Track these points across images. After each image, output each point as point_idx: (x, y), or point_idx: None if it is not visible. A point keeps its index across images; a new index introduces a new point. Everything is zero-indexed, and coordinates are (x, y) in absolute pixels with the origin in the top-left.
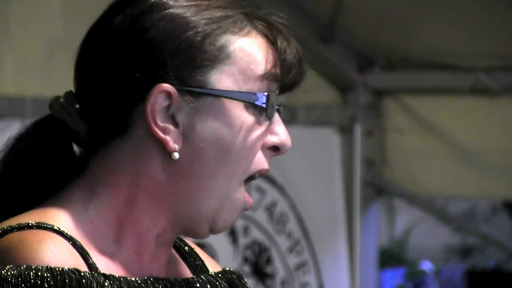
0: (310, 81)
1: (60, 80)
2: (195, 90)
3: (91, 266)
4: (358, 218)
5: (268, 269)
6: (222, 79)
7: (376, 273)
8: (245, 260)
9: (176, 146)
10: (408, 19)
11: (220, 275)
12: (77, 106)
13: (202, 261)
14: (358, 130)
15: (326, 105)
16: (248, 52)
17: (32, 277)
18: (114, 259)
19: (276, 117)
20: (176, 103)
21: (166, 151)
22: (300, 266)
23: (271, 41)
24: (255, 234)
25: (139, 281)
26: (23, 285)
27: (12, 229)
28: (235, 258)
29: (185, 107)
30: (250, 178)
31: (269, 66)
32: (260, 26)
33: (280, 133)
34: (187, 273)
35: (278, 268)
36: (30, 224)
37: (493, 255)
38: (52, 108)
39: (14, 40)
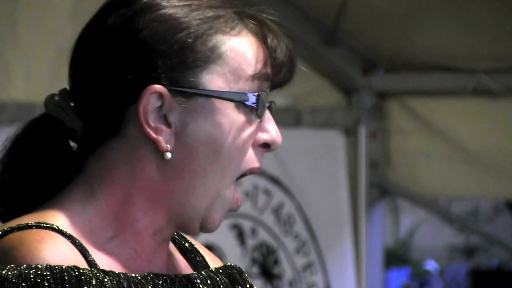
0: (315, 84)
1: None
2: (187, 91)
3: (91, 263)
4: (363, 219)
5: (276, 270)
6: (213, 79)
7: (382, 273)
8: (253, 261)
9: (168, 146)
10: (410, 23)
11: (220, 271)
12: (72, 104)
13: (203, 257)
14: (362, 132)
15: (331, 108)
16: (239, 52)
17: (32, 276)
18: (114, 256)
19: (267, 114)
20: (168, 104)
21: (159, 151)
22: (307, 266)
23: (262, 40)
24: (263, 235)
25: (139, 277)
26: (23, 284)
27: (12, 230)
28: (243, 259)
29: (177, 107)
30: (241, 176)
31: (259, 65)
32: (251, 25)
33: (270, 130)
34: (188, 269)
35: (286, 269)
36: (29, 224)
37: (496, 254)
38: (47, 106)
39: (23, 47)
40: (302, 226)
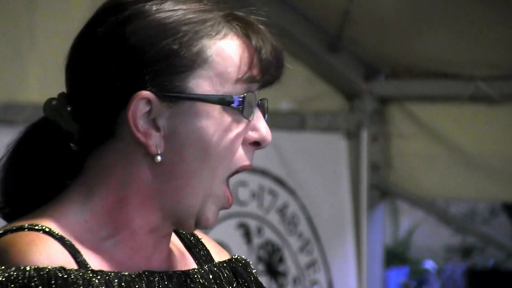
0: (318, 89)
1: None
2: (173, 96)
3: (80, 263)
4: (364, 219)
5: (281, 268)
6: (199, 83)
7: (382, 271)
8: (259, 259)
9: (158, 149)
10: (411, 31)
11: (224, 264)
12: (69, 108)
13: (208, 251)
14: (364, 135)
15: (334, 112)
16: (225, 55)
17: (20, 278)
18: (110, 255)
19: (257, 113)
20: (156, 109)
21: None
22: (311, 264)
23: (248, 42)
24: (268, 234)
25: (133, 275)
26: (12, 285)
27: (5, 232)
28: (249, 257)
29: (165, 112)
30: (233, 174)
31: (245, 68)
32: (237, 27)
33: (260, 128)
34: (191, 264)
35: (290, 267)
36: (22, 227)
37: (492, 254)
38: (45, 110)
39: (40, 50)
40: (306, 225)
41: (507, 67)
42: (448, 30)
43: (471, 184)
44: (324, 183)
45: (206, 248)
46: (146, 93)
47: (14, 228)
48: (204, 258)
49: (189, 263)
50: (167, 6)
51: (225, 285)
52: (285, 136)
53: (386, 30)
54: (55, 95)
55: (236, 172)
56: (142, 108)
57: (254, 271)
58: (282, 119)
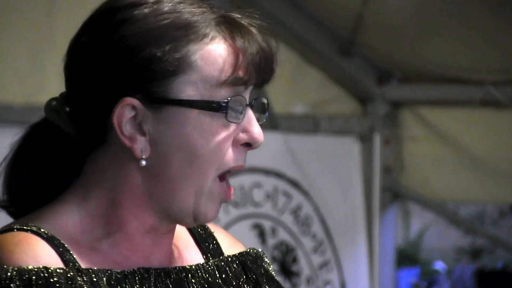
0: (332, 93)
1: None
2: (157, 101)
3: (67, 262)
4: (377, 221)
5: (294, 268)
6: (184, 88)
7: (393, 272)
8: (273, 259)
9: (144, 153)
10: (422, 36)
11: (234, 258)
12: (67, 109)
13: (218, 245)
14: (377, 139)
15: (347, 116)
16: (210, 60)
17: (2, 279)
18: (106, 256)
19: (249, 114)
20: (141, 114)
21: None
22: (324, 265)
23: (234, 44)
24: (282, 235)
25: (126, 273)
26: None
27: None
28: None
29: (150, 116)
30: (228, 173)
31: (230, 70)
32: (225, 30)
33: (251, 130)
34: (197, 258)
35: (304, 267)
36: (12, 227)
37: (501, 256)
38: (45, 111)
39: (58, 53)
40: (319, 226)
41: None
42: (459, 36)
43: (481, 187)
44: (337, 185)
45: (216, 242)
46: (130, 99)
47: (5, 229)
48: (212, 252)
49: (196, 258)
50: (157, 11)
51: (232, 280)
52: (299, 139)
53: (398, 35)
54: None
55: (228, 172)
56: (128, 113)
57: (266, 263)
58: (296, 122)
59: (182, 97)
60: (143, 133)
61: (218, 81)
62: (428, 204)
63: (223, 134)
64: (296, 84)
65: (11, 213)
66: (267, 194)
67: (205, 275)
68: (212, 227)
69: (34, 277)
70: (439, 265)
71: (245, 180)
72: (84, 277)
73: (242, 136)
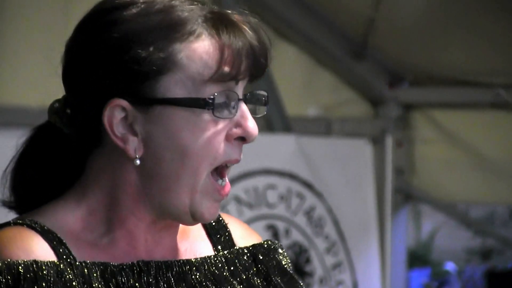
0: (344, 96)
1: None
2: (146, 101)
3: (60, 256)
4: (389, 222)
5: (307, 268)
6: (171, 87)
7: (405, 273)
8: None
9: (136, 153)
10: (433, 39)
11: (245, 250)
12: (68, 111)
13: (230, 236)
14: (388, 141)
15: (359, 118)
16: (195, 57)
17: None
18: (105, 251)
19: (242, 108)
20: (131, 114)
21: None
22: (336, 265)
23: (219, 39)
24: (296, 236)
25: (123, 266)
26: None
27: None
28: None
29: (140, 117)
30: (223, 168)
31: (215, 66)
32: (211, 26)
33: (244, 124)
34: (207, 251)
35: (317, 267)
36: (10, 222)
37: (511, 256)
38: (48, 112)
39: None
40: (332, 228)
41: None
42: (470, 39)
43: (491, 188)
44: (350, 187)
45: (229, 233)
46: (118, 101)
47: (2, 224)
48: (223, 245)
49: (205, 251)
50: (144, 11)
51: (241, 272)
52: (312, 141)
53: (409, 39)
54: None
55: (225, 167)
56: (118, 114)
57: (281, 255)
58: (309, 124)
59: (169, 95)
60: (135, 134)
61: (204, 78)
62: (439, 205)
63: (212, 130)
64: (309, 87)
65: (18, 213)
66: (280, 195)
67: (212, 268)
68: (227, 218)
69: (22, 271)
70: (450, 266)
71: (259, 181)
72: (75, 270)
73: (236, 131)
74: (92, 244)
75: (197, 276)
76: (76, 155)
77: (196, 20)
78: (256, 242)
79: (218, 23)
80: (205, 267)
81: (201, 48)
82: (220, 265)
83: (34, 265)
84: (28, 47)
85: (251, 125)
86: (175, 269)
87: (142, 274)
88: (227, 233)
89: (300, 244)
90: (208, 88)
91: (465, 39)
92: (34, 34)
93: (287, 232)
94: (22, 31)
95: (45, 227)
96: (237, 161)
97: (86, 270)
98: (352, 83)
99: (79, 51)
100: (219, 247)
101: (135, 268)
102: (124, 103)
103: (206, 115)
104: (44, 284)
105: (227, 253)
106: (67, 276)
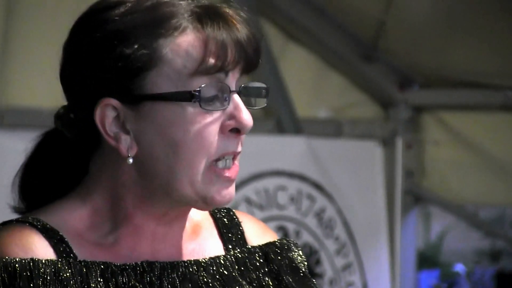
0: (355, 98)
1: None
2: (134, 98)
3: (60, 253)
4: (398, 224)
5: (318, 270)
6: (157, 82)
7: (414, 274)
8: None
9: (130, 151)
10: (443, 42)
11: (257, 249)
12: (72, 115)
13: (242, 235)
14: (399, 143)
15: (370, 120)
16: (180, 51)
17: None
18: (109, 250)
19: (235, 99)
20: (122, 113)
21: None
22: (346, 267)
23: (203, 31)
24: (306, 237)
25: (125, 267)
26: None
27: None
28: None
29: (131, 114)
30: (217, 160)
31: (200, 59)
32: (195, 20)
33: (237, 115)
34: (218, 251)
35: (327, 269)
36: (12, 220)
37: None
38: (54, 118)
39: None
40: (342, 229)
41: None
42: (480, 41)
43: (500, 190)
44: (360, 189)
45: (242, 231)
46: (108, 100)
47: (4, 222)
48: (235, 243)
49: (216, 250)
50: (132, 9)
51: (251, 272)
52: (323, 143)
53: (419, 41)
54: None
55: (218, 159)
56: (109, 114)
57: (294, 253)
58: (319, 126)
59: (157, 91)
60: (127, 132)
61: (190, 71)
62: (448, 207)
63: (202, 123)
64: (319, 88)
65: None
66: (291, 197)
67: (221, 268)
68: (241, 216)
69: (19, 269)
70: (459, 268)
71: (269, 183)
72: (74, 269)
73: (229, 123)
74: (96, 244)
75: (204, 277)
76: (80, 157)
77: (182, 15)
78: (270, 241)
79: (203, 16)
80: (213, 267)
81: (186, 42)
82: (229, 265)
83: (31, 263)
84: (39, 49)
85: (245, 116)
86: (181, 269)
87: (145, 274)
88: (239, 232)
89: (310, 246)
90: (195, 81)
91: (475, 41)
92: (46, 35)
93: (297, 233)
94: (33, 33)
95: (48, 225)
96: (235, 153)
97: (85, 269)
98: (362, 85)
99: (70, 53)
100: (230, 246)
101: (138, 268)
102: (114, 102)
103: (194, 108)
104: (40, 282)
105: (238, 252)
106: (64, 275)
